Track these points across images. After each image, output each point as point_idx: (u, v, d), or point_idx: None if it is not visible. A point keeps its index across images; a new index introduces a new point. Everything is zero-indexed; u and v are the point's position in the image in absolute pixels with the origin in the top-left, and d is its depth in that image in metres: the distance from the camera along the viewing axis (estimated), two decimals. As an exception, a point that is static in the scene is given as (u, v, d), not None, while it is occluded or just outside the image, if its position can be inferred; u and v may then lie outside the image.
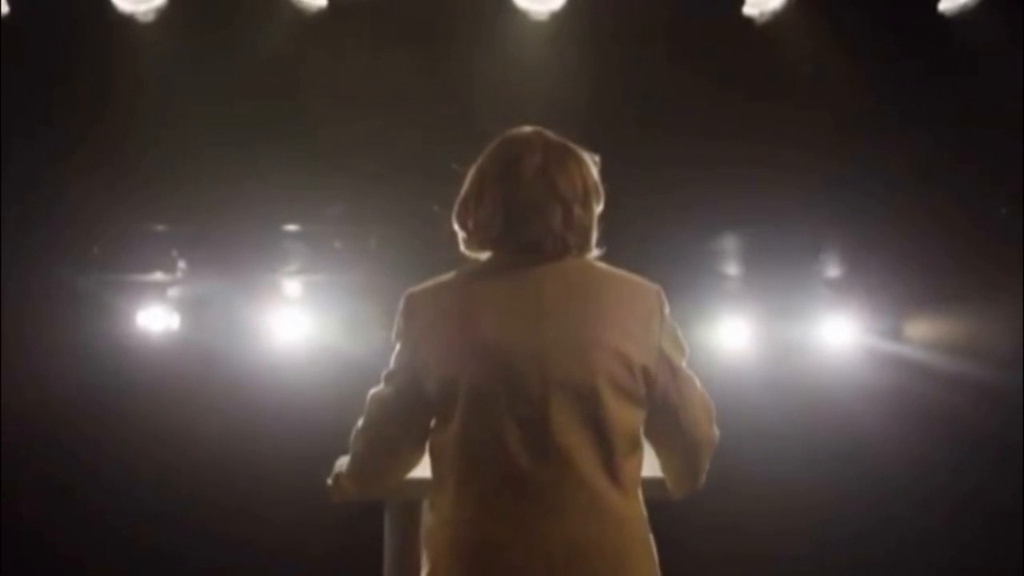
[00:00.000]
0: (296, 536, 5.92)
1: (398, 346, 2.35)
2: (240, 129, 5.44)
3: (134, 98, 5.42)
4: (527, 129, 2.41)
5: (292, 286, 6.54)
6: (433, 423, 2.30)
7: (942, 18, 5.45)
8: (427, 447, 2.35)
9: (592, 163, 2.40)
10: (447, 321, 2.28)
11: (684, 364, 2.34)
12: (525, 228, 2.30)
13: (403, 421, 2.33)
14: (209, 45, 5.35)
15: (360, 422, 2.39)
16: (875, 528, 6.27)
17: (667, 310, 2.33)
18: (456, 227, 2.40)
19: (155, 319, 6.51)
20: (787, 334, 6.59)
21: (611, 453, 2.23)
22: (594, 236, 2.37)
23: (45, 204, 5.60)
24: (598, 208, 2.39)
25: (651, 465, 2.41)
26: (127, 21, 5.26)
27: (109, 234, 5.90)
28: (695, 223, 6.02)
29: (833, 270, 6.73)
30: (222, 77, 5.38)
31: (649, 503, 2.42)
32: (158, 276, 6.43)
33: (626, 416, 2.24)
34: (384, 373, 2.37)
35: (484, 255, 2.37)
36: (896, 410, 6.29)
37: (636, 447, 2.29)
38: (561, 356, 2.22)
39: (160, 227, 6.12)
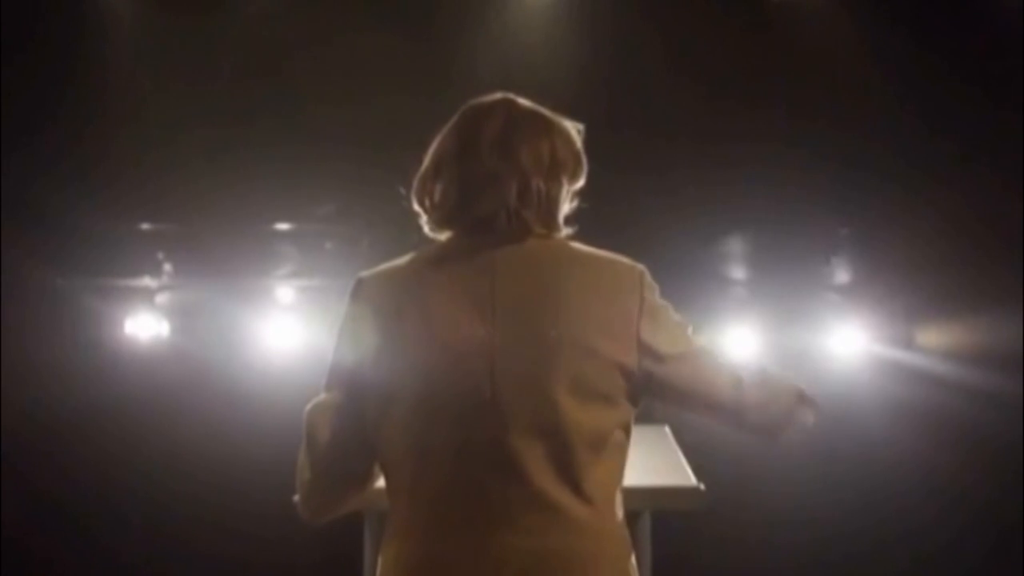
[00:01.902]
0: (280, 547, 5.80)
1: (341, 339, 2.13)
2: (225, 128, 5.33)
3: (112, 89, 5.31)
4: (494, 96, 2.20)
5: (284, 291, 6.44)
6: (381, 427, 2.08)
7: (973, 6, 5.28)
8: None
9: (574, 132, 2.18)
10: (396, 312, 2.07)
11: (680, 346, 2.09)
12: (478, 204, 2.09)
13: (353, 435, 2.10)
14: (192, 33, 5.25)
15: (303, 444, 2.14)
16: (886, 545, 6.14)
17: (649, 291, 2.09)
18: (416, 206, 2.19)
19: (144, 326, 6.40)
20: (795, 341, 6.47)
21: (570, 461, 2.00)
22: (561, 212, 2.14)
23: (24, 206, 5.47)
24: (573, 182, 2.16)
25: (659, 475, 2.22)
26: (104, 8, 5.14)
27: (93, 236, 5.76)
28: (700, 225, 5.88)
29: (842, 275, 6.59)
30: (206, 67, 5.27)
31: (656, 515, 2.25)
32: (146, 281, 6.32)
33: (591, 419, 2.01)
34: (325, 382, 2.14)
35: (444, 236, 2.16)
36: (908, 421, 6.15)
37: (605, 452, 2.04)
38: (516, 353, 2.01)
39: (145, 226, 5.99)
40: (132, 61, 5.31)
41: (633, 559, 2.10)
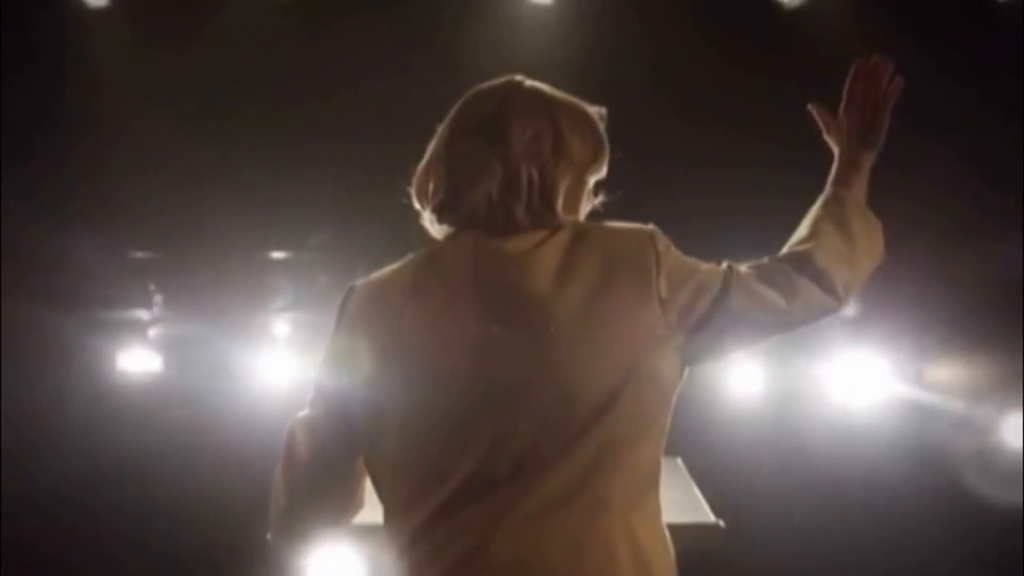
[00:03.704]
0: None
1: (330, 351, 1.97)
2: (215, 154, 5.23)
3: (98, 115, 5.24)
4: (500, 78, 2.04)
5: (279, 325, 6.33)
6: (375, 444, 1.90)
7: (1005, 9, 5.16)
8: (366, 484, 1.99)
9: (593, 116, 2.01)
10: (388, 320, 1.90)
11: (709, 294, 1.90)
12: (465, 196, 1.92)
13: (337, 454, 1.94)
14: (181, 59, 5.18)
15: (279, 465, 1.98)
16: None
17: (663, 246, 1.91)
18: (415, 202, 2.03)
19: (136, 361, 6.30)
20: (801, 374, 6.36)
21: (595, 463, 1.81)
22: (565, 202, 1.94)
23: (8, 236, 5.37)
24: (589, 172, 1.99)
25: (674, 511, 2.07)
26: (85, 18, 5.07)
27: (81, 266, 5.65)
28: (699, 253, 5.75)
29: (851, 308, 6.45)
30: (195, 93, 5.20)
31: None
32: (138, 314, 6.22)
33: (617, 413, 1.82)
34: (310, 396, 1.99)
35: (440, 232, 2.00)
36: (915, 454, 6.03)
37: (639, 447, 1.86)
38: (510, 357, 1.82)
39: (139, 254, 5.89)
40: (119, 87, 5.24)
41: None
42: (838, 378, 6.39)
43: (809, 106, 2.26)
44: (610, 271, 1.87)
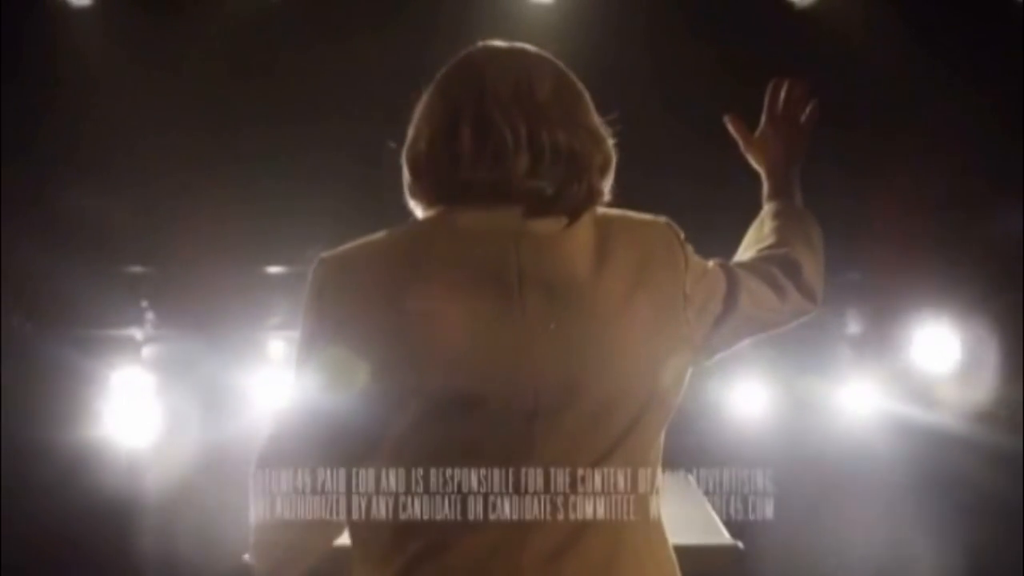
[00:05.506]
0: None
1: (306, 340, 1.74)
2: (205, 161, 5.15)
3: (89, 122, 5.18)
4: (499, 43, 1.86)
5: (275, 344, 6.23)
6: (373, 455, 1.70)
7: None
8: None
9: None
10: (389, 301, 1.68)
11: (720, 290, 1.86)
12: (501, 165, 1.72)
13: (316, 475, 1.71)
14: (174, 66, 5.12)
15: (252, 482, 1.76)
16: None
17: (684, 239, 1.83)
18: (405, 168, 1.82)
19: (130, 382, 6.20)
20: (804, 395, 6.30)
21: (627, 469, 1.71)
22: (602, 183, 1.82)
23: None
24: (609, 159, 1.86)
25: (689, 532, 1.97)
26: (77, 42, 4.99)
27: (70, 282, 5.56)
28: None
29: (854, 326, 6.38)
30: (189, 101, 5.14)
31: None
32: (130, 332, 6.14)
33: (653, 417, 1.73)
34: (285, 403, 1.78)
35: (431, 210, 1.79)
36: (918, 477, 5.99)
37: (654, 452, 1.78)
38: (546, 363, 1.67)
39: (131, 269, 5.81)
40: (110, 99, 5.18)
41: None
42: (845, 395, 6.34)
43: (726, 119, 2.28)
44: (648, 262, 1.77)
